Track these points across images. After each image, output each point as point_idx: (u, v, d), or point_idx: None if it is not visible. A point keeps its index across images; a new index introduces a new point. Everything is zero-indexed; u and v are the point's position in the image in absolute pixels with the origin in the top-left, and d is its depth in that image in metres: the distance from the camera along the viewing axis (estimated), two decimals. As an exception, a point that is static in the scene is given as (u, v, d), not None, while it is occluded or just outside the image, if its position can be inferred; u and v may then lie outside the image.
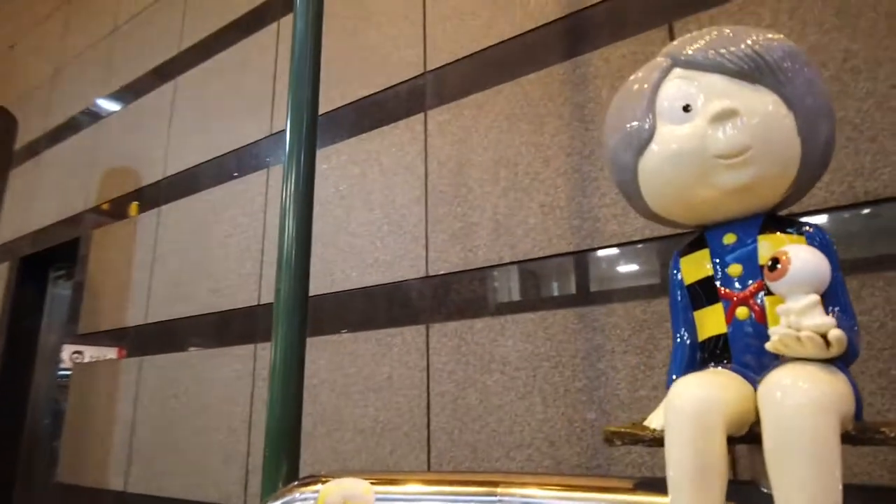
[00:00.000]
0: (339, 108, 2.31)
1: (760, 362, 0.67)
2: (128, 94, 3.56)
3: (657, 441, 0.68)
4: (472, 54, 1.98)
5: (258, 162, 2.62)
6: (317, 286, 2.16)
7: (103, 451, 2.90)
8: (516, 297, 1.74)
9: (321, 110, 2.38)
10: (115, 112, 3.66)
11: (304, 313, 1.11)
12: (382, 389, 1.90)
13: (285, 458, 1.01)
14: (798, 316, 0.59)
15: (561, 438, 1.53)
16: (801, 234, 0.70)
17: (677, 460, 0.59)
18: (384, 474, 0.94)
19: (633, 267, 1.56)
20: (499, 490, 0.77)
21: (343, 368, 2.02)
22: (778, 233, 0.71)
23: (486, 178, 1.84)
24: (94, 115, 3.81)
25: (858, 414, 0.61)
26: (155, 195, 3.10)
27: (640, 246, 1.54)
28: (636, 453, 1.42)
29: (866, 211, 1.29)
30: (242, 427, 2.29)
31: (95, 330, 3.21)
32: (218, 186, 2.75)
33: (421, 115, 2.05)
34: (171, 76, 3.25)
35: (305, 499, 0.87)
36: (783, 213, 0.76)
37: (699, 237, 0.77)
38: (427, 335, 1.84)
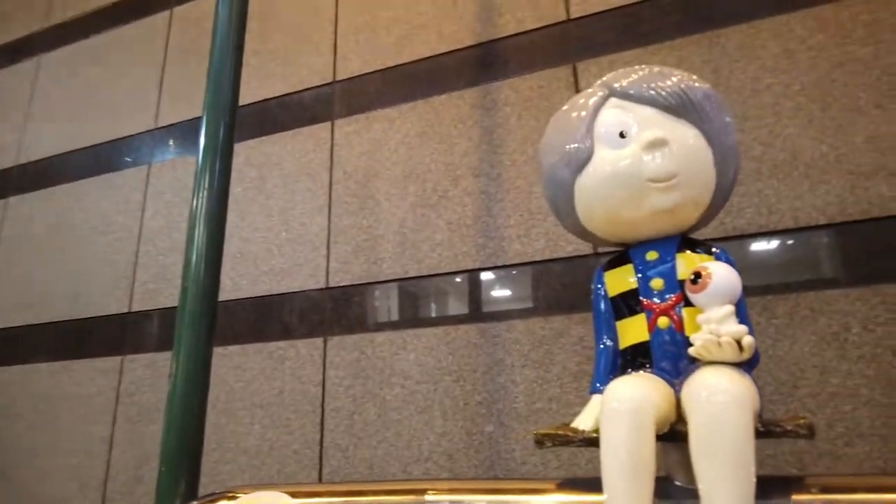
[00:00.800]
0: (239, 107, 2.19)
1: (677, 367, 0.74)
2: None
3: (588, 441, 0.72)
4: (384, 69, 1.99)
5: (138, 157, 2.40)
6: (202, 294, 2.02)
7: None
8: (420, 311, 1.75)
9: (216, 108, 2.27)
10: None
11: (212, 320, 1.03)
12: (272, 405, 1.80)
13: (184, 476, 0.92)
14: (718, 324, 0.66)
15: (459, 451, 1.55)
16: (710, 253, 0.80)
17: (613, 458, 0.64)
18: (304, 486, 0.89)
19: (534, 285, 1.64)
20: (427, 498, 0.77)
21: (228, 384, 1.88)
22: (689, 252, 0.79)
23: (394, 191, 1.84)
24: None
25: (760, 412, 0.70)
26: (2, 184, 2.71)
27: (541, 266, 1.63)
28: (531, 464, 1.48)
29: (733, 245, 1.48)
30: (102, 449, 2.04)
31: None
32: (86, 180, 2.47)
33: (328, 124, 2.02)
34: (34, 53, 2.88)
35: (210, 518, 0.80)
36: (693, 235, 0.86)
37: (621, 254, 0.84)
38: (324, 348, 1.79)
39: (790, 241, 1.45)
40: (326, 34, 2.13)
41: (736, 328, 0.66)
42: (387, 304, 1.77)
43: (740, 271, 0.72)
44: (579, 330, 1.52)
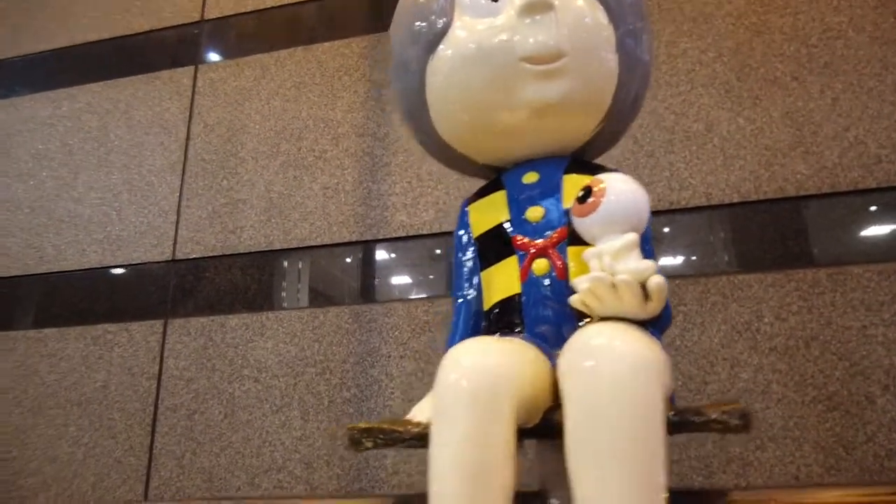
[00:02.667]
0: (84, 44, 1.82)
1: (560, 333, 0.51)
2: None
3: (422, 439, 0.47)
4: (261, 9, 1.70)
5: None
6: (10, 264, 1.63)
7: None
8: (284, 290, 1.46)
9: (57, 43, 1.87)
10: None
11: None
12: (92, 402, 1.45)
13: None
14: (613, 259, 0.44)
15: (319, 459, 1.28)
16: (609, 180, 0.58)
17: (446, 461, 0.39)
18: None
19: (420, 263, 1.40)
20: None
21: (39, 375, 1.51)
22: (585, 175, 0.57)
23: (263, 150, 1.55)
24: None
25: (672, 396, 0.48)
26: None
27: (429, 240, 1.39)
28: (404, 473, 1.23)
29: (642, 221, 1.30)
30: None
31: None
32: None
33: (191, 69, 1.69)
34: None
35: None
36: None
37: (494, 180, 0.61)
38: (164, 333, 1.46)
39: (702, 220, 1.29)
40: (198, -33, 1.80)
41: (640, 264, 0.43)
42: (244, 281, 1.46)
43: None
44: (467, 314, 1.29)
